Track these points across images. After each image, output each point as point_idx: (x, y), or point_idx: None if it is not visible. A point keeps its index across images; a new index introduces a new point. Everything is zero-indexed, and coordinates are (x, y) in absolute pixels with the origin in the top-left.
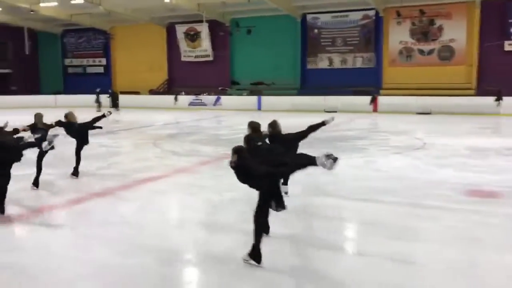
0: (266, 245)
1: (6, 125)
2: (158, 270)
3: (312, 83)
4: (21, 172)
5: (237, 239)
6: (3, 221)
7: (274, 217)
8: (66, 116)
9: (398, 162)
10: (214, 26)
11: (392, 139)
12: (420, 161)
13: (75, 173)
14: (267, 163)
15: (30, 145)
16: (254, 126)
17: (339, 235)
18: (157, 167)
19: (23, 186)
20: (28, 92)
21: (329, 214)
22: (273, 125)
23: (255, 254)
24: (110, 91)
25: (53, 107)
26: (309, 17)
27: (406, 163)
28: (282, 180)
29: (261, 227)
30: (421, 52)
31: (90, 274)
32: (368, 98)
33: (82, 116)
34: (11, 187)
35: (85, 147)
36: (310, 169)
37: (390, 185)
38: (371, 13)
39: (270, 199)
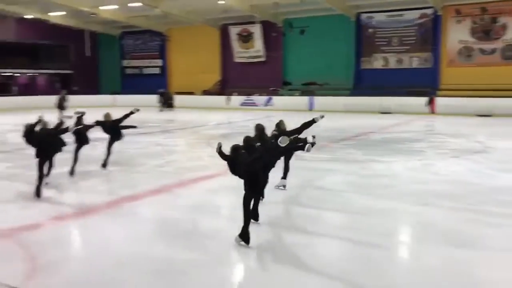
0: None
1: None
2: (210, 267)
3: (366, 84)
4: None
5: (294, 238)
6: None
7: (335, 220)
8: (104, 116)
9: (457, 166)
10: (267, 27)
11: (450, 141)
12: (481, 165)
13: (104, 165)
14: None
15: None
16: (259, 128)
17: (395, 239)
18: (211, 166)
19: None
20: (88, 92)
21: (384, 216)
22: (279, 124)
23: (244, 236)
24: (161, 91)
25: (111, 106)
26: (363, 16)
27: (466, 167)
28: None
29: (248, 212)
30: (483, 51)
31: (147, 268)
32: (424, 99)
33: (138, 116)
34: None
35: (142, 145)
36: (364, 171)
37: (450, 189)
38: (429, 11)
39: (253, 188)
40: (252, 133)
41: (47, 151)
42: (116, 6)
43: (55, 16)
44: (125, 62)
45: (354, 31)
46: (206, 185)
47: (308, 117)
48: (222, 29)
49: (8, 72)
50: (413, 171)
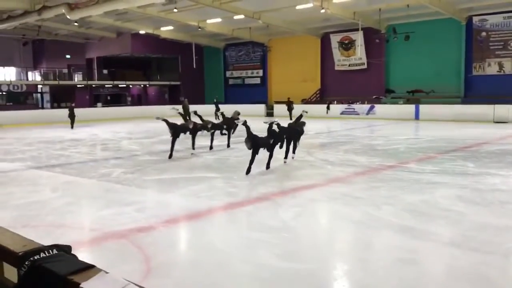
0: None
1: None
2: (317, 277)
3: (478, 91)
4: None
5: (397, 254)
6: (171, 222)
7: (446, 236)
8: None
9: None
10: (369, 34)
11: None
12: None
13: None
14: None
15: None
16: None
17: None
18: (312, 175)
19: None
20: (194, 102)
21: (503, 235)
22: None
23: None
24: (215, 100)
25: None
26: (475, 19)
27: None
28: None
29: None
30: None
31: (252, 274)
32: None
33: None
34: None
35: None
36: (477, 185)
37: None
38: None
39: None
40: (352, 143)
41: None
42: (220, 19)
43: (165, 31)
44: (228, 73)
45: (464, 35)
46: (308, 194)
47: (413, 126)
48: (323, 38)
49: (123, 84)
50: None
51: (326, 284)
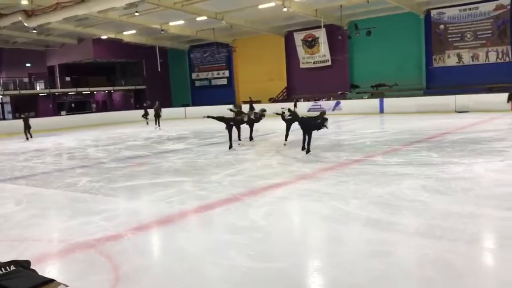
0: None
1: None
2: (289, 275)
3: (439, 82)
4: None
5: (366, 247)
6: (144, 228)
7: (413, 226)
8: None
9: None
10: (332, 31)
11: None
12: None
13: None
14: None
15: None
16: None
17: (478, 245)
18: (281, 173)
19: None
20: (161, 106)
21: (466, 222)
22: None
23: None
24: (145, 104)
25: (183, 118)
26: (433, 12)
27: None
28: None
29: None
30: None
31: (224, 277)
32: (505, 96)
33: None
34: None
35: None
36: (441, 175)
37: None
38: (505, 2)
39: None
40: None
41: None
42: (182, 21)
43: (128, 35)
44: (194, 75)
45: (423, 28)
46: (277, 192)
47: (378, 120)
48: (287, 36)
49: (87, 90)
50: (496, 173)
51: (298, 281)
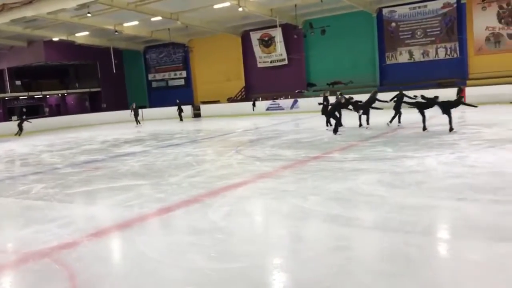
0: None
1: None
2: (253, 275)
3: (392, 79)
4: None
5: (326, 243)
6: (100, 233)
7: (369, 219)
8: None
9: (493, 156)
10: (288, 30)
11: (484, 132)
12: None
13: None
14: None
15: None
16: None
17: (432, 236)
18: (241, 173)
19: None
20: (116, 108)
21: (420, 214)
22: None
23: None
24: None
25: (140, 120)
26: (385, 11)
27: (502, 157)
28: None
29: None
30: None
31: (185, 279)
32: (454, 90)
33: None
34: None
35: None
36: (396, 169)
37: (486, 181)
38: (452, 0)
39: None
40: (278, 138)
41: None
42: (137, 22)
43: (80, 36)
44: (151, 76)
45: (376, 26)
46: (237, 192)
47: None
48: (243, 36)
49: (39, 94)
50: (447, 165)
51: (259, 280)
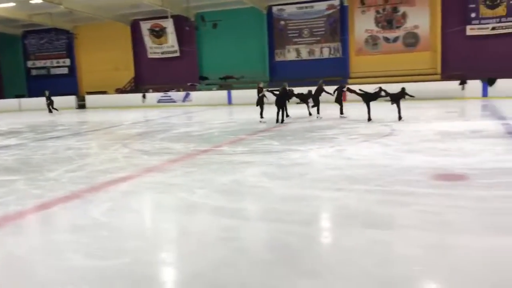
0: None
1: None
2: (135, 271)
3: (281, 75)
4: None
5: (211, 235)
6: None
7: (253, 211)
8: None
9: (367, 150)
10: (180, 21)
11: (361, 127)
12: (389, 148)
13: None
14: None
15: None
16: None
17: (312, 225)
18: (127, 167)
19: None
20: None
21: (300, 204)
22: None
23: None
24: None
25: (17, 111)
26: (274, 9)
27: (375, 150)
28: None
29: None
30: (387, 39)
31: (64, 280)
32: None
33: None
34: None
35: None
36: (281, 161)
37: (361, 172)
38: (336, 2)
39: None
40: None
41: None
42: (13, 4)
43: None
44: (30, 63)
45: (266, 24)
46: (122, 187)
47: (226, 111)
48: (133, 25)
49: None
50: (327, 158)
51: (141, 275)
